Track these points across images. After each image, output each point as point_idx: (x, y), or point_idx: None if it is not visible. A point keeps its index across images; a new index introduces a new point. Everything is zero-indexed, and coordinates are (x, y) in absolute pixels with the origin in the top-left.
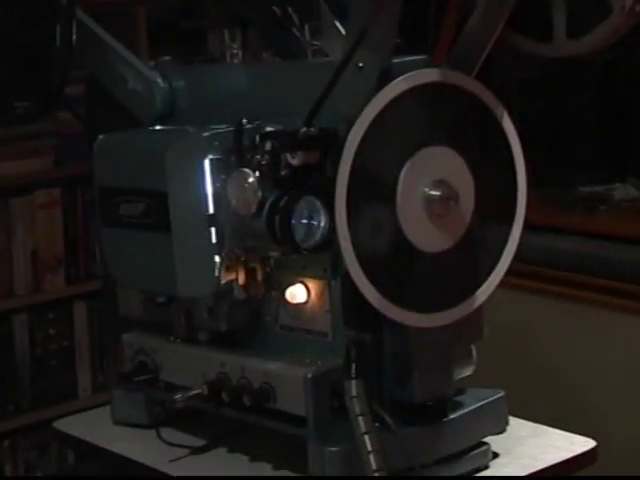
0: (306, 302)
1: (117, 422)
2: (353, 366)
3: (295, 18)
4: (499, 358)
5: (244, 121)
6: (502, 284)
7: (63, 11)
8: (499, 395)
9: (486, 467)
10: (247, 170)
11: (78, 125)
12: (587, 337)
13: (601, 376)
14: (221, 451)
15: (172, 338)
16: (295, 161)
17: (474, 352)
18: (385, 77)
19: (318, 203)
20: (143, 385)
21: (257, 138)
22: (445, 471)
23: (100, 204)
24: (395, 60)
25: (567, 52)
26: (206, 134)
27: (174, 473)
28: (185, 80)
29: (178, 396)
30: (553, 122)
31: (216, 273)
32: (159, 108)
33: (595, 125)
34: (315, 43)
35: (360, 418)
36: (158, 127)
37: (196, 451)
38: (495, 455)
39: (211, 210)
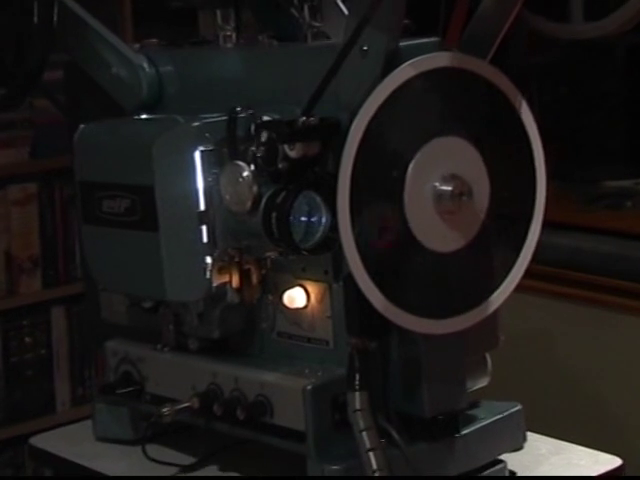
0: (305, 307)
1: (99, 438)
2: (357, 377)
3: None
4: (516, 368)
5: (238, 109)
6: (519, 287)
7: None
8: (516, 408)
9: None
10: (241, 163)
11: (57, 114)
12: (612, 345)
13: (628, 388)
14: (212, 469)
15: (159, 346)
16: (293, 153)
17: (489, 361)
18: (392, 62)
19: (319, 199)
20: (128, 397)
21: (252, 128)
22: None
23: (81, 200)
24: (403, 43)
25: (586, 34)
26: (196, 124)
27: None
28: (174, 65)
29: (166, 409)
30: (575, 110)
31: (207, 275)
32: (145, 95)
33: (621, 114)
34: (315, 24)
35: (364, 433)
36: (144, 116)
37: (185, 469)
38: (512, 474)
39: (202, 207)
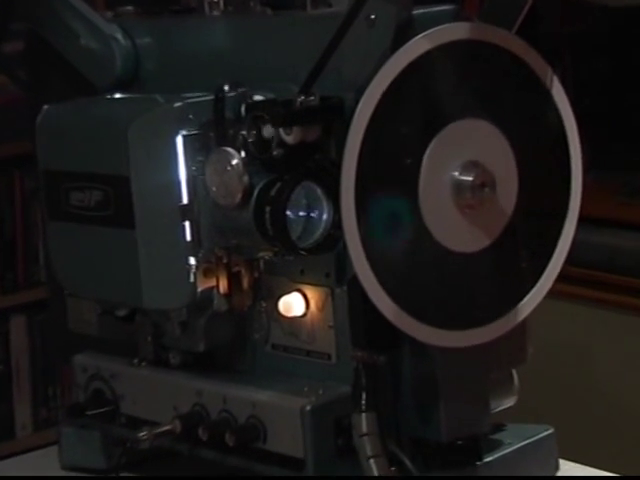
0: (304, 315)
1: (66, 467)
2: (363, 396)
3: None
4: (548, 386)
5: (226, 88)
6: (552, 293)
7: None
8: (547, 432)
9: None
10: (230, 149)
11: (16, 92)
12: None
13: None
14: None
15: (136, 361)
16: (290, 138)
17: (516, 378)
18: (403, 33)
19: (319, 191)
20: (99, 420)
21: (242, 109)
22: None
23: (45, 193)
24: (416, 11)
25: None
26: (178, 104)
27: None
28: (152, 36)
29: (143, 434)
30: (616, 89)
31: (191, 279)
32: (119, 71)
33: None
34: None
35: (372, 461)
36: (118, 95)
37: None
38: None
39: (185, 200)
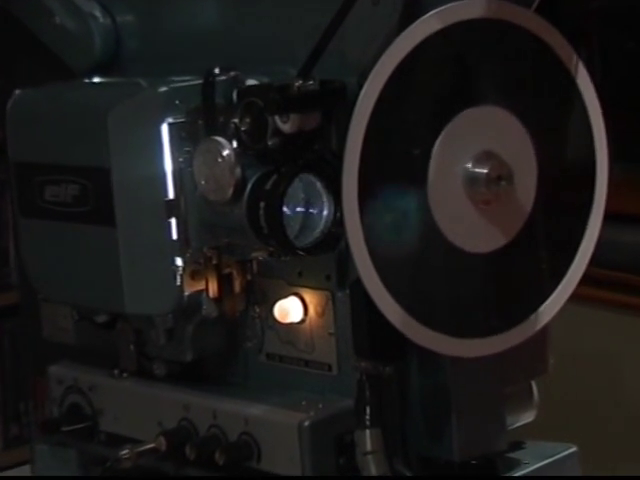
0: (302, 321)
1: None
2: (367, 410)
3: None
4: (571, 399)
5: (216, 71)
6: (575, 297)
7: None
8: (570, 451)
9: None
10: (221, 139)
11: None
12: None
13: None
14: None
15: (117, 372)
16: (287, 127)
17: (535, 391)
18: (411, 11)
19: (319, 184)
20: (76, 437)
21: (234, 95)
22: None
23: (16, 186)
24: None
25: None
26: (164, 89)
27: None
28: (134, 13)
29: (125, 452)
30: None
31: (178, 282)
32: (98, 52)
33: None
34: None
35: None
36: (97, 79)
37: None
38: None
39: (171, 195)
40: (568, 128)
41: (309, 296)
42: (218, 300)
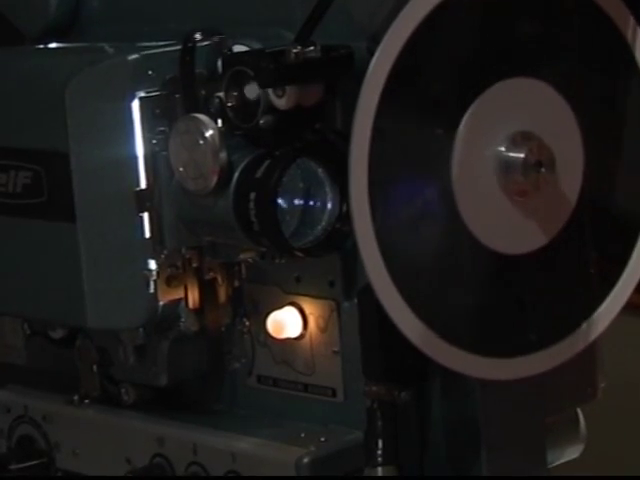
0: (301, 337)
1: None
2: (379, 444)
3: None
4: (624, 430)
5: (197, 35)
6: (630, 307)
7: None
8: None
9: None
10: (202, 117)
11: None
12: None
13: None
14: None
15: (76, 398)
16: (282, 102)
17: (582, 421)
18: None
19: (321, 172)
20: (28, 476)
21: (219, 64)
22: None
23: None
24: None
25: None
26: (133, 56)
27: None
28: None
29: None
30: None
31: (150, 289)
32: (54, 14)
33: None
34: None
35: None
36: (53, 45)
37: None
38: None
39: (142, 184)
40: (622, 107)
41: (309, 306)
42: (199, 311)
